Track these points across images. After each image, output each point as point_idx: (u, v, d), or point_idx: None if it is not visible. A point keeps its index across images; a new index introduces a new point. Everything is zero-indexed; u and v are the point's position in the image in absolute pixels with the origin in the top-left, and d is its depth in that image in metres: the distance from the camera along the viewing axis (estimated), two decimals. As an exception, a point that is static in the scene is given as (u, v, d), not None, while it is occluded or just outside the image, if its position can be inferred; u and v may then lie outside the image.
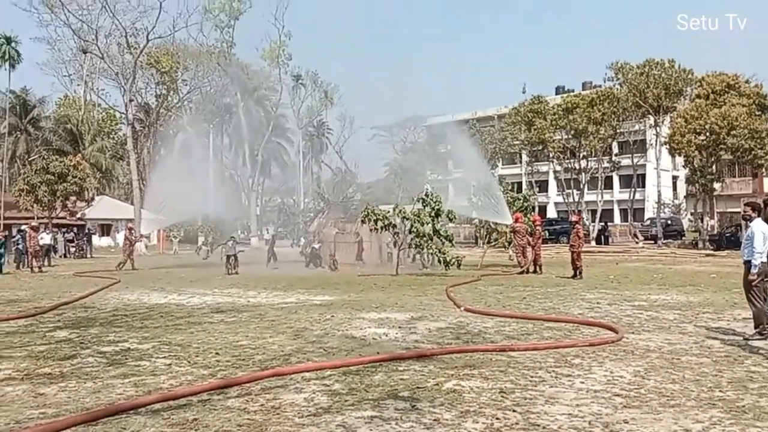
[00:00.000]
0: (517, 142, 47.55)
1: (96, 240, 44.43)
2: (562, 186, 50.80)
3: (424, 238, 19.90)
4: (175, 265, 28.59)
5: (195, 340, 8.82)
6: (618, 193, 61.00)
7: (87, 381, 6.45)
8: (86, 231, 40.18)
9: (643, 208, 57.10)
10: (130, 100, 42.54)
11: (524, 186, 57.99)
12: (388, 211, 20.07)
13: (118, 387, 6.23)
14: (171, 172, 32.85)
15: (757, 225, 8.44)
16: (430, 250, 20.11)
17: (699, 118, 36.21)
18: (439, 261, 20.00)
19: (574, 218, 21.07)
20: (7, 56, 55.78)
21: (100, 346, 8.33)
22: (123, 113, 52.67)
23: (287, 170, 79.95)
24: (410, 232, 20.24)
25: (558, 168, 50.49)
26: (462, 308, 11.72)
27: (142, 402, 5.54)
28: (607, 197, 61.45)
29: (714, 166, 37.83)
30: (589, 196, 50.57)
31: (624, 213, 56.92)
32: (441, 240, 20.28)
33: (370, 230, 20.57)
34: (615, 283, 17.00)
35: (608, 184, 61.84)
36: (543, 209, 62.89)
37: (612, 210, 61.21)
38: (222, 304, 13.19)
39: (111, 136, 64.72)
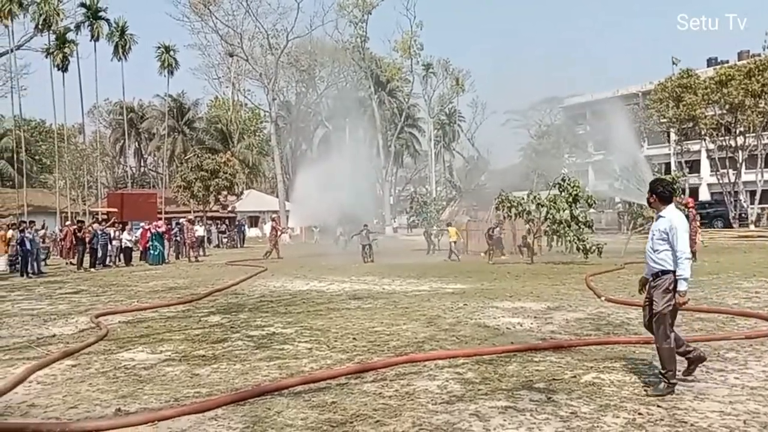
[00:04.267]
0: (664, 120, 44.34)
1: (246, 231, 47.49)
2: (715, 165, 46.81)
3: (561, 225, 19.24)
4: (316, 254, 29.83)
5: (334, 325, 9.19)
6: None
7: (236, 363, 6.94)
8: (237, 223, 43.03)
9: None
10: (273, 99, 44.82)
11: (673, 167, 54.14)
12: (523, 198, 19.59)
13: (263, 369, 6.64)
14: (311, 167, 34.26)
15: (675, 216, 5.59)
16: (568, 238, 19.39)
17: None
18: (578, 249, 19.24)
19: (687, 201, 19.61)
20: (166, 64, 60.98)
21: (248, 330, 8.92)
22: (267, 112, 55.91)
23: (419, 159, 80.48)
24: (546, 219, 19.64)
25: (711, 146, 46.56)
26: (603, 298, 11.22)
27: (285, 384, 5.87)
28: (766, 177, 55.92)
29: None
30: (747, 176, 46.21)
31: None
32: (579, 227, 19.49)
33: (504, 218, 20.19)
34: (778, 271, 15.45)
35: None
36: (695, 191, 58.34)
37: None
38: (359, 291, 13.60)
39: (257, 133, 68.77)
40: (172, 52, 60.61)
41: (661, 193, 5.74)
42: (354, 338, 8.16)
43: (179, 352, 7.61)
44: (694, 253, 19.04)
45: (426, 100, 79.26)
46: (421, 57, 57.97)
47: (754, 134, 42.10)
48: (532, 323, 8.95)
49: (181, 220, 28.47)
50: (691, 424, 4.62)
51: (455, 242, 22.98)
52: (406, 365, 6.58)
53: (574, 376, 5.97)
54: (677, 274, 5.49)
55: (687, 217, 19.07)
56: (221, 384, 6.11)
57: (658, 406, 5.06)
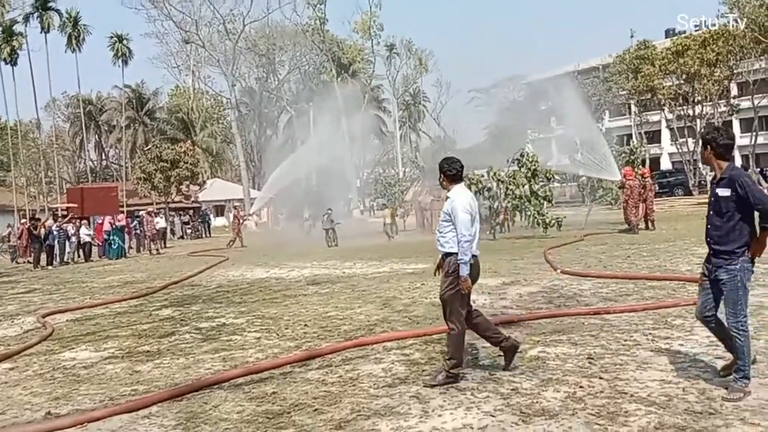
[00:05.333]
0: (623, 92, 44.73)
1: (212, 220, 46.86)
2: (675, 135, 47.51)
3: (522, 200, 19.30)
4: (281, 240, 29.63)
5: (287, 312, 9.03)
6: (739, 138, 56.15)
7: (180, 357, 6.75)
8: (201, 213, 42.42)
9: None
10: (233, 85, 44.07)
11: (634, 138, 54.80)
12: (482, 175, 19.57)
13: (207, 362, 6.47)
14: (276, 152, 33.85)
15: (457, 196, 5.28)
16: (528, 213, 19.48)
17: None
18: (538, 223, 19.33)
19: (643, 171, 20.04)
20: (120, 53, 59.48)
21: (199, 323, 8.71)
22: (228, 99, 55.07)
23: (386, 141, 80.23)
24: (506, 195, 19.68)
25: (670, 116, 47.21)
26: (558, 270, 11.25)
27: (226, 377, 5.71)
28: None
29: None
30: (706, 144, 47.03)
31: (746, 159, 52.50)
32: (540, 201, 19.56)
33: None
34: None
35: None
36: (656, 161, 59.30)
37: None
38: (318, 276, 13.45)
39: (220, 121, 67.75)
40: (125, 41, 59.12)
41: (447, 171, 5.35)
42: (305, 325, 8.02)
43: (123, 348, 7.38)
44: (652, 221, 19.34)
45: (390, 81, 78.92)
46: (381, 38, 57.47)
47: (710, 103, 42.77)
48: (486, 299, 8.91)
49: (140, 213, 27.89)
50: (631, 395, 4.60)
51: (390, 224, 23.75)
52: (354, 349, 6.48)
53: (520, 352, 5.91)
54: (458, 257, 5.15)
55: (644, 186, 19.44)
56: (161, 380, 5.92)
57: (600, 378, 5.03)
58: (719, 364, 5.13)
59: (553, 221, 19.13)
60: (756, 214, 4.48)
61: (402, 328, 7.38)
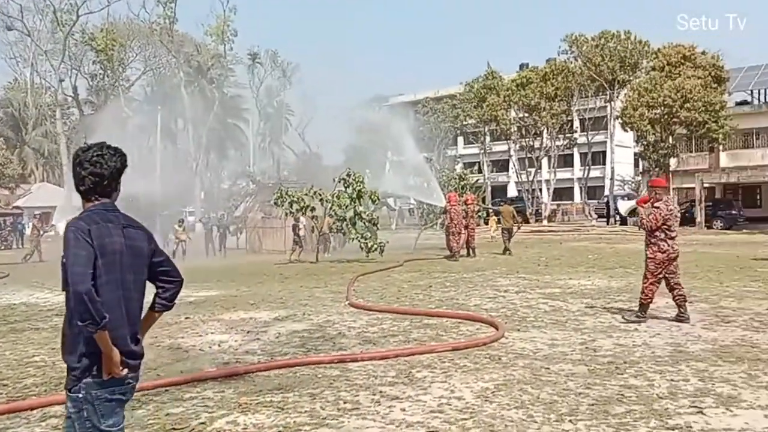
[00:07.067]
0: (471, 121, 46.01)
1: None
2: (522, 164, 49.56)
3: (346, 222, 18.39)
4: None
5: (-14, 354, 7.20)
6: (578, 170, 60.04)
7: None
8: (12, 221, 37.92)
9: (603, 186, 56.19)
10: (61, 80, 40.06)
11: (486, 166, 56.76)
12: (306, 193, 18.45)
13: None
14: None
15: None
16: (352, 236, 18.61)
17: (652, 91, 35.11)
18: (361, 247, 18.50)
19: (466, 198, 19.99)
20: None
21: None
22: (71, 96, 50.21)
23: (246, 152, 77.57)
24: (331, 216, 18.70)
25: (516, 147, 49.20)
26: (348, 302, 10.27)
27: None
28: (567, 175, 60.47)
29: (668, 141, 36.81)
30: (550, 175, 49.53)
31: (581, 192, 56.14)
32: (365, 224, 18.77)
33: (285, 215, 18.93)
34: (542, 266, 15.70)
35: (569, 161, 60.82)
36: (504, 188, 61.85)
37: (572, 188, 60.36)
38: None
39: (64, 120, 61.69)
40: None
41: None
42: (-15, 373, 6.28)
43: None
44: (473, 248, 19.15)
45: (253, 91, 76.78)
46: (234, 43, 55.41)
47: (549, 136, 45.01)
48: (237, 341, 7.63)
49: None
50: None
51: (184, 241, 22.33)
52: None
53: (203, 423, 4.66)
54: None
55: (465, 212, 19.25)
56: None
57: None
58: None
59: (375, 246, 18.36)
60: None
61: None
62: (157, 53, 55.24)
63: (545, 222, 40.73)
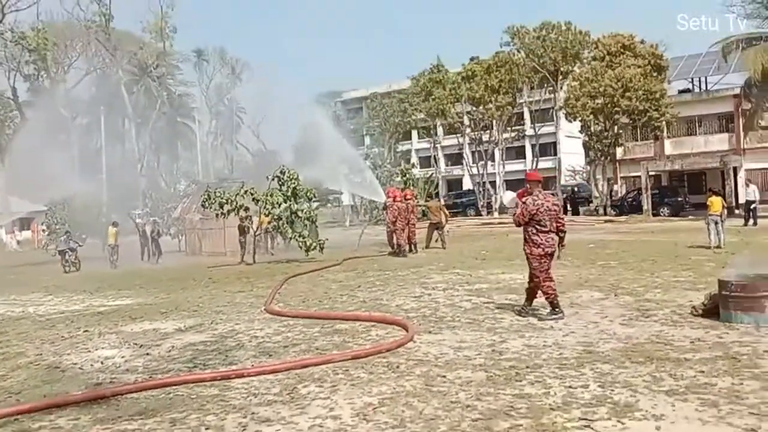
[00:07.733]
0: (419, 115, 45.66)
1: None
2: (474, 158, 49.49)
3: (281, 221, 17.79)
4: (26, 262, 25.70)
5: None
6: (530, 162, 60.34)
7: None
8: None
9: (555, 177, 56.61)
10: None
11: (441, 160, 56.53)
12: (238, 193, 17.76)
13: None
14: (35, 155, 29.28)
15: None
16: (288, 235, 18.02)
17: (594, 81, 35.25)
18: (300, 246, 17.92)
19: (405, 193, 19.38)
20: None
21: None
22: (11, 98, 48.11)
23: (197, 152, 75.84)
24: (266, 215, 18.08)
25: (467, 140, 49.06)
26: (264, 308, 9.73)
27: None
28: (519, 167, 60.68)
29: (612, 130, 37.08)
30: (509, 167, 49.66)
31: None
32: (303, 222, 18.20)
33: (217, 216, 18.15)
34: (480, 260, 15.40)
35: (521, 153, 61.08)
36: (459, 182, 61.79)
37: (523, 180, 60.66)
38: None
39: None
40: None
41: None
42: None
43: None
44: (414, 244, 18.73)
45: (203, 89, 75.18)
46: (174, 40, 53.94)
47: (497, 128, 44.92)
48: (126, 356, 7.02)
49: None
50: None
51: (112, 245, 20.84)
52: None
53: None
54: None
55: (407, 207, 18.82)
56: None
57: None
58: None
59: (315, 244, 17.80)
60: None
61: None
62: (99, 52, 53.52)
63: (496, 214, 40.66)
